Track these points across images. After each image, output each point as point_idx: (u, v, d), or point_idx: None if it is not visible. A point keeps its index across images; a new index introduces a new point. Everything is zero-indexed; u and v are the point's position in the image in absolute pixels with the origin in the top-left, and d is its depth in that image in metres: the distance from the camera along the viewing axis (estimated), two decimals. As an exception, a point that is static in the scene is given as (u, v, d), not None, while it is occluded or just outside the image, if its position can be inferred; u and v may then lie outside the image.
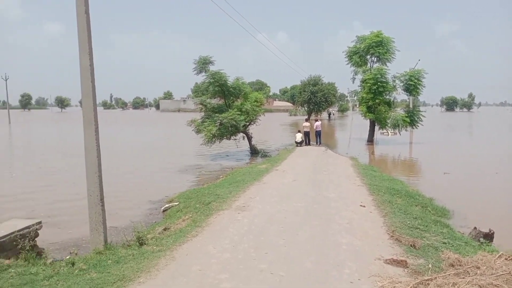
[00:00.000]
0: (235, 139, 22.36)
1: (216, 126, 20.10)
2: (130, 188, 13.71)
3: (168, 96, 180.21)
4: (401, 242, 6.39)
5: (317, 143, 25.32)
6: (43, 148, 27.55)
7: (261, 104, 23.28)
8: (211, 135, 20.07)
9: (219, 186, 11.73)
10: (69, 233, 8.81)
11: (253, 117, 22.27)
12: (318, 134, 25.35)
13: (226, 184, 11.88)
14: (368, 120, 28.96)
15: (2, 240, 5.98)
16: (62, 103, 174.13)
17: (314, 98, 64.24)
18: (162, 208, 10.83)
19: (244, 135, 22.88)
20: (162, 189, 13.47)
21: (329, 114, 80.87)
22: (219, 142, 21.78)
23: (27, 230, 6.47)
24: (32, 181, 14.92)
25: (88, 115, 6.37)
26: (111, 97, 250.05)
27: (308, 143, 25.33)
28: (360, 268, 5.29)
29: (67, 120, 78.51)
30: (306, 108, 68.82)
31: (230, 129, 20.50)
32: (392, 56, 27.70)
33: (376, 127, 29.12)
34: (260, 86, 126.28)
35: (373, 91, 26.74)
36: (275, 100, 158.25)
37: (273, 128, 49.49)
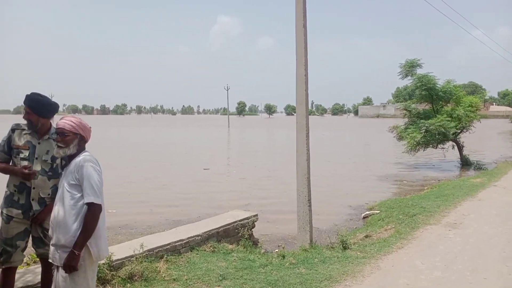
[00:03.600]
0: (443, 148, 20.29)
1: (421, 133, 18.71)
2: (331, 192, 14.08)
3: (367, 102, 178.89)
4: None
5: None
6: (256, 148, 31.19)
7: (476, 110, 20.46)
8: (414, 143, 18.78)
9: (424, 198, 10.91)
10: (277, 228, 9.62)
11: (466, 124, 19.78)
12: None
13: (433, 197, 10.93)
14: None
15: (228, 227, 6.84)
16: (270, 110, 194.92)
17: (549, 101, 52.95)
18: (363, 214, 10.77)
19: (454, 144, 20.56)
20: (361, 195, 13.38)
21: None
22: (424, 150, 20.13)
23: (247, 220, 7.23)
24: (248, 178, 17.00)
25: (301, 121, 6.87)
26: (312, 103, 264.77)
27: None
28: None
29: (274, 125, 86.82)
30: (536, 114, 57.39)
31: (437, 136, 18.73)
32: None
33: None
34: (473, 89, 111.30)
35: None
36: (492, 105, 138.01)
37: (489, 136, 43.33)
